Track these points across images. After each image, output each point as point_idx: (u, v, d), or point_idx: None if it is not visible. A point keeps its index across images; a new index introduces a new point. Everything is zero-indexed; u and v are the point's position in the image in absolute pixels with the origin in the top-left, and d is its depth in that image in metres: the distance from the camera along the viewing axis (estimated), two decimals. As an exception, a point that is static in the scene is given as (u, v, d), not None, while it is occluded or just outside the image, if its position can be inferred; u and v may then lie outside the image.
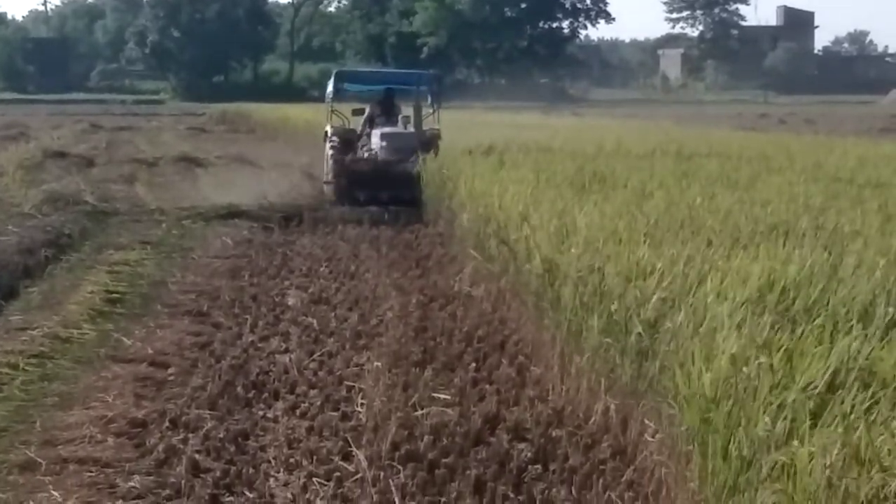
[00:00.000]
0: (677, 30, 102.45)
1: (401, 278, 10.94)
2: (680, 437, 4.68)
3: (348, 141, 16.25)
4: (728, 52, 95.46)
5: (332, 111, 17.24)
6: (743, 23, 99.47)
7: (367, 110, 17.23)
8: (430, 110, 17.32)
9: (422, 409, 6.53)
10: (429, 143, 15.53)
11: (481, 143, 15.05)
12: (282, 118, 36.50)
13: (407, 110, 17.27)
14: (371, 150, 16.30)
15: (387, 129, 16.33)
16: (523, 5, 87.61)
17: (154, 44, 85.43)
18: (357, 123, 17.13)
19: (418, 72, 20.96)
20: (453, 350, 7.96)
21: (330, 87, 17.67)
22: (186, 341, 8.38)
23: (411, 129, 16.60)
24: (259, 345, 8.30)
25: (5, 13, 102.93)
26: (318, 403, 6.77)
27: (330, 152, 16.03)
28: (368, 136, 16.63)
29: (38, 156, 23.68)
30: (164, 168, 23.37)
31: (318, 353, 7.99)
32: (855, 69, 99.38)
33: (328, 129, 16.61)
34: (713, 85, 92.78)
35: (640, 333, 5.39)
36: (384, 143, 15.97)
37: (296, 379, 7.32)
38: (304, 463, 5.79)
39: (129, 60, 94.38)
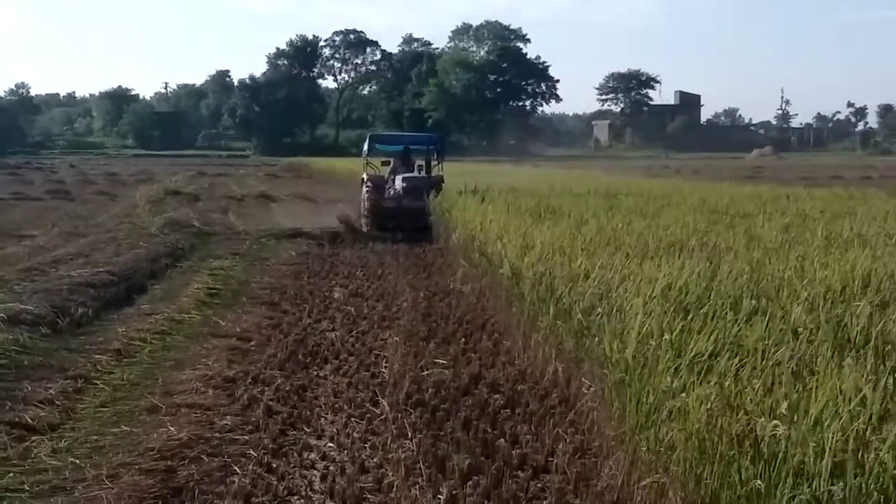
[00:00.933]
0: (606, 107, 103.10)
1: (413, 279, 10.93)
2: (607, 390, 4.68)
3: (379, 185, 16.20)
4: (641, 122, 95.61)
5: (367, 163, 17.19)
6: (651, 102, 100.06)
7: (392, 162, 17.21)
8: (436, 162, 17.33)
9: (427, 370, 6.53)
10: (435, 185, 15.52)
11: (469, 185, 15.02)
12: (330, 168, 36.49)
13: (419, 162, 17.28)
14: (395, 190, 16.28)
15: (407, 175, 16.31)
16: (498, 90, 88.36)
17: (242, 116, 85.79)
18: (385, 172, 17.12)
19: (428, 135, 20.92)
20: (449, 329, 7.95)
21: (365, 147, 17.63)
22: (263, 323, 8.37)
23: (423, 175, 16.61)
24: (314, 325, 8.29)
25: (138, 94, 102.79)
26: (355, 366, 6.77)
27: (366, 194, 16.00)
28: (393, 181, 16.60)
29: (160, 193, 23.74)
30: (248, 202, 23.37)
31: (355, 332, 7.98)
32: (729, 135, 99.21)
33: (364, 176, 16.55)
34: (630, 146, 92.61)
35: (580, 318, 5.39)
36: (405, 185, 15.94)
37: (339, 349, 7.32)
38: (345, 407, 5.79)
39: (224, 127, 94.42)
